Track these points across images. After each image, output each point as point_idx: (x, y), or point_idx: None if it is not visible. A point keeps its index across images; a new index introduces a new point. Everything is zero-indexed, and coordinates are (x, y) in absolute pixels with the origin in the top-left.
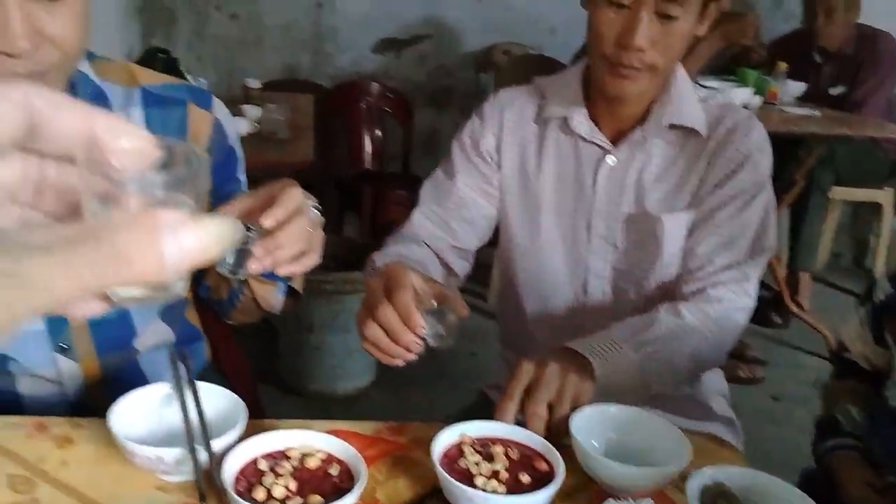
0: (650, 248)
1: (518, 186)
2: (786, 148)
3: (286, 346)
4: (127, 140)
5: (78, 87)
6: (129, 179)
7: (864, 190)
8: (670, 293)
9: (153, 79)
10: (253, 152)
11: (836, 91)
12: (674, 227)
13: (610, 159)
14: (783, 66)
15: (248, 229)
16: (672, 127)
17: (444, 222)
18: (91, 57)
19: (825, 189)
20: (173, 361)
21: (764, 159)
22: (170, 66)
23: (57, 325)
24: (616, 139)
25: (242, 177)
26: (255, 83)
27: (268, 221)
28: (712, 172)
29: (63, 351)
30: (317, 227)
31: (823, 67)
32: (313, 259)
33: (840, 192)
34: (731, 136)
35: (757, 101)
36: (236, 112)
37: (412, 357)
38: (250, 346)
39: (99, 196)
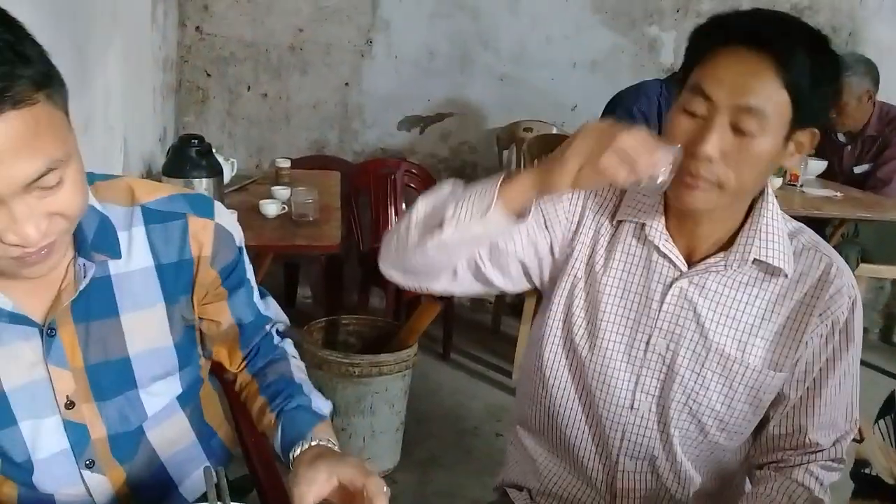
0: (713, 384)
1: (584, 281)
2: (811, 225)
3: None
4: None
5: (82, 221)
6: None
7: (890, 267)
8: (729, 433)
9: (152, 194)
10: (283, 236)
11: (860, 170)
12: (751, 376)
13: (684, 281)
14: None
15: None
16: (756, 261)
17: None
18: (91, 179)
19: (852, 266)
20: (209, 480)
21: (855, 317)
22: (204, 152)
23: (80, 441)
24: (690, 260)
25: (251, 276)
26: (285, 163)
27: None
28: (800, 330)
29: (89, 466)
30: None
31: (847, 147)
32: None
33: (866, 270)
34: (821, 292)
35: (777, 182)
36: (267, 195)
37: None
38: None
39: None
